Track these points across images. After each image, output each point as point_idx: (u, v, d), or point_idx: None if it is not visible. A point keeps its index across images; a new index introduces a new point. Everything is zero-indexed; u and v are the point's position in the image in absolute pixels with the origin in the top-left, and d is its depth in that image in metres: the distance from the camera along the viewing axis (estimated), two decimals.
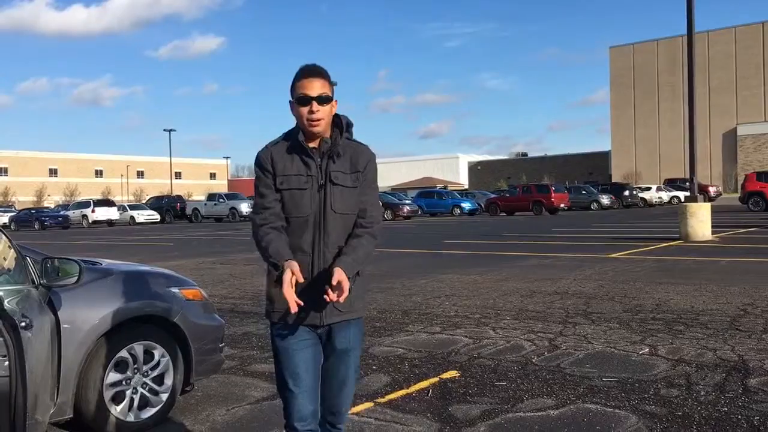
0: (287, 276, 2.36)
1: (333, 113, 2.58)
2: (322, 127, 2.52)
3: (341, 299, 2.38)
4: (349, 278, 2.42)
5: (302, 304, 2.38)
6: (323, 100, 2.50)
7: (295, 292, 2.35)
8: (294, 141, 2.55)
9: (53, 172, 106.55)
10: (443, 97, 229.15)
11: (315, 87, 2.49)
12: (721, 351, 5.43)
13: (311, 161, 2.54)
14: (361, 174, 2.59)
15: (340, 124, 2.60)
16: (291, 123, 2.61)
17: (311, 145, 2.55)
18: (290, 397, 2.54)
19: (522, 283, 9.68)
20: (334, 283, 2.37)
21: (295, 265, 2.39)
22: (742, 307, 7.32)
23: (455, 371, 5.11)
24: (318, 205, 2.52)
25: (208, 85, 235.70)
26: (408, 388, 4.70)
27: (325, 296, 2.39)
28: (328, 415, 2.65)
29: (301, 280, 2.37)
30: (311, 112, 2.48)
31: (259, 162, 2.59)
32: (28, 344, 2.82)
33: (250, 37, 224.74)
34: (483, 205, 43.04)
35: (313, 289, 2.49)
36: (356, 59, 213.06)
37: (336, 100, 2.59)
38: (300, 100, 2.50)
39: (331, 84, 2.56)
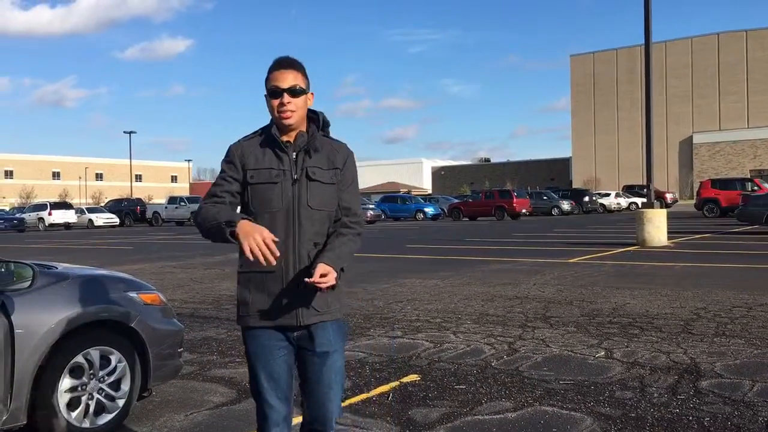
0: (247, 225, 2.29)
1: (307, 106, 2.54)
2: (295, 119, 2.48)
3: (326, 285, 2.32)
4: (335, 271, 2.38)
5: (277, 255, 2.28)
6: (295, 92, 2.47)
7: (275, 247, 2.27)
8: (267, 135, 2.52)
9: (8, 174, 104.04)
10: (408, 103, 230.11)
11: (287, 79, 2.46)
12: (674, 354, 5.56)
13: (284, 155, 2.49)
14: (340, 171, 2.55)
15: (317, 119, 2.55)
16: (257, 124, 2.61)
17: (285, 138, 2.51)
18: (265, 404, 2.50)
19: (483, 288, 9.78)
20: (318, 274, 2.31)
21: (256, 225, 2.32)
22: (695, 311, 7.50)
23: (416, 375, 5.14)
24: (291, 199, 2.47)
25: (173, 88, 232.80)
26: (369, 392, 4.72)
27: (307, 279, 2.33)
28: (316, 425, 2.56)
29: (275, 239, 2.29)
30: (282, 104, 2.45)
31: (227, 154, 2.55)
32: None
33: (219, 41, 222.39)
34: (446, 210, 43.32)
35: (288, 288, 2.45)
36: (324, 64, 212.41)
37: (312, 93, 2.55)
38: (271, 92, 2.47)
39: (306, 77, 2.53)
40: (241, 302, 2.54)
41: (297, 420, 2.70)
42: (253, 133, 2.57)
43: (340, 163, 2.55)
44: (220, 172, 2.55)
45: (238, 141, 2.56)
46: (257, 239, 2.24)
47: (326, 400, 2.53)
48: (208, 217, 2.42)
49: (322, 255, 2.43)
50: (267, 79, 2.50)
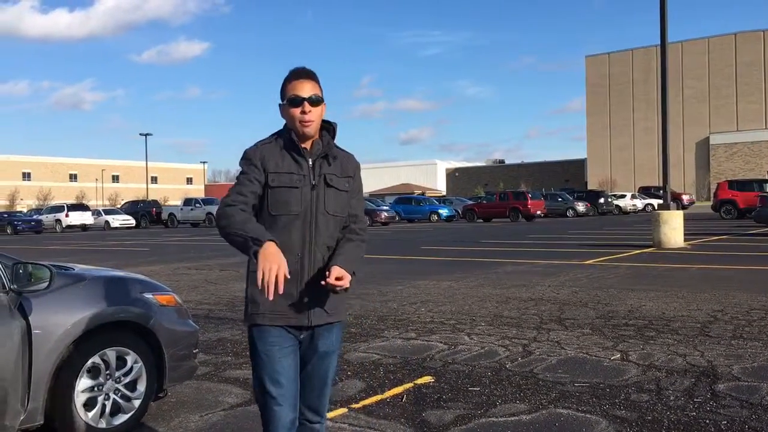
0: (271, 249, 2.30)
1: (322, 116, 2.61)
2: (314, 128, 2.55)
3: (342, 287, 2.42)
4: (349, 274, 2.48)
5: (280, 293, 2.29)
6: (315, 101, 2.54)
7: (283, 286, 2.29)
8: (287, 140, 2.57)
9: (26, 176, 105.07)
10: (423, 104, 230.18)
11: (306, 88, 2.53)
12: (690, 357, 5.52)
13: (303, 160, 2.56)
14: (352, 179, 2.67)
15: (330, 129, 2.64)
16: (272, 127, 2.64)
17: (302, 145, 2.58)
18: (272, 405, 2.49)
19: (497, 290, 9.75)
20: (334, 276, 2.41)
21: (280, 253, 2.32)
22: (712, 313, 7.44)
23: (430, 377, 5.13)
24: (309, 204, 2.54)
25: (189, 90, 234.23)
26: (382, 394, 4.72)
27: (324, 281, 2.42)
28: (310, 414, 2.65)
29: (287, 276, 2.29)
30: (303, 112, 2.51)
31: (246, 157, 2.57)
32: None
33: (235, 43, 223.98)
34: (460, 212, 43.19)
35: (301, 289, 2.51)
36: (340, 66, 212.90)
37: (325, 104, 2.61)
38: (292, 101, 2.53)
39: (321, 87, 2.59)
40: (251, 301, 2.56)
41: None
42: (269, 137, 2.62)
43: (351, 171, 2.67)
44: (243, 174, 2.56)
45: (255, 145, 2.60)
46: (273, 270, 2.26)
47: (321, 395, 2.66)
48: (235, 223, 2.41)
49: (335, 259, 2.52)
50: (284, 89, 2.56)
